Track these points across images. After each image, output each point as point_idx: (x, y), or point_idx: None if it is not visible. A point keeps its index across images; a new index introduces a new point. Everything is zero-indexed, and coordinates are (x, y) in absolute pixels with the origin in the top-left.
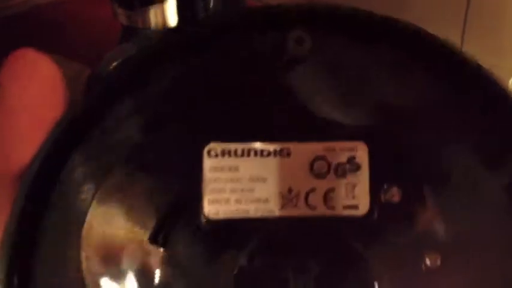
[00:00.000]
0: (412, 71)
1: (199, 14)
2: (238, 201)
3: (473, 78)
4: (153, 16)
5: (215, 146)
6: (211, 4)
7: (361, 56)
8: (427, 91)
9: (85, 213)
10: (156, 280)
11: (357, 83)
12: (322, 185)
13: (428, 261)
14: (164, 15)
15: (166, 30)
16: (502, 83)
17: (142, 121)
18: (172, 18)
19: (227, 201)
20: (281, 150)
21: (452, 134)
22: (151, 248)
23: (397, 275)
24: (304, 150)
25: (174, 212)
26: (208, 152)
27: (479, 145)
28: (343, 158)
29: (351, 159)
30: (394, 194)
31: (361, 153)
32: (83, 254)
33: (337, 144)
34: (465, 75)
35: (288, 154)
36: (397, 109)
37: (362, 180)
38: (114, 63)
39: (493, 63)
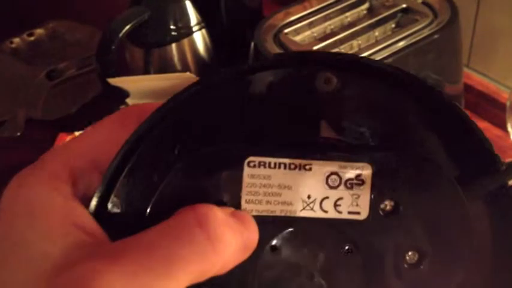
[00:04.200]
0: (407, 109)
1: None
2: (268, 202)
3: (449, 116)
4: None
5: (254, 159)
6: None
7: (375, 96)
8: (417, 125)
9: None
10: None
11: (370, 116)
12: (333, 194)
13: (408, 258)
14: None
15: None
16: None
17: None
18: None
19: (260, 201)
20: (305, 165)
21: (433, 156)
22: None
23: (384, 270)
24: (323, 167)
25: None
26: (248, 163)
27: (449, 163)
28: (352, 174)
29: (358, 176)
30: (388, 205)
31: (366, 172)
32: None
33: (349, 164)
34: (441, 112)
35: (310, 169)
36: (395, 139)
37: (365, 192)
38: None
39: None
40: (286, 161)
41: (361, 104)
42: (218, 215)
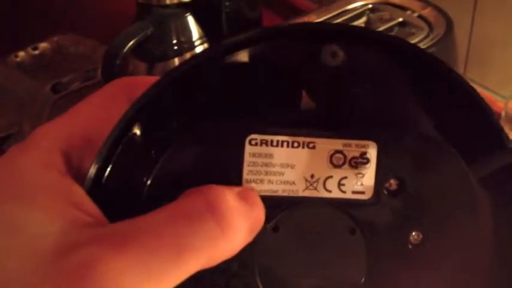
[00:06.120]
0: (414, 84)
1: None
2: (270, 181)
3: (463, 96)
4: None
5: (256, 137)
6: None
7: (381, 69)
8: (423, 101)
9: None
10: None
11: (375, 92)
12: (338, 173)
13: (412, 239)
14: None
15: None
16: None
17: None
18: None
19: (261, 181)
20: (308, 143)
21: (439, 134)
22: None
23: (388, 251)
24: (327, 145)
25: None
26: (250, 141)
27: (456, 141)
28: (356, 153)
29: (363, 154)
30: (393, 184)
31: (372, 150)
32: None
33: (353, 142)
34: (449, 88)
35: (314, 147)
36: (400, 116)
37: (369, 171)
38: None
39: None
40: (289, 139)
41: (367, 79)
42: (229, 200)
